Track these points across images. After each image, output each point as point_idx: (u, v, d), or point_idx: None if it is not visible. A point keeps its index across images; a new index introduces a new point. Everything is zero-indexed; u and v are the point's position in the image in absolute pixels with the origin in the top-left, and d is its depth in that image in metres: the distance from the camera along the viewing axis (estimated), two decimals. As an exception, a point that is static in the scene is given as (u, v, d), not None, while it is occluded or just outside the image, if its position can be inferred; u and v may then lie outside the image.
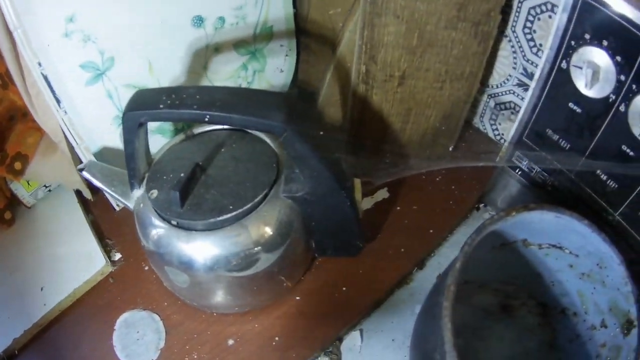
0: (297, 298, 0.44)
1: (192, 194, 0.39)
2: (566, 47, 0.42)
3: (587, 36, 0.41)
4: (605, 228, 0.49)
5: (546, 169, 0.49)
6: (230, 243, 0.38)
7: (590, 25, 0.40)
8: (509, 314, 0.50)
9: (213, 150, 0.41)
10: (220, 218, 0.37)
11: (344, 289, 0.45)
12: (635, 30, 0.38)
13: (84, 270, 0.46)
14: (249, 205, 0.38)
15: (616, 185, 0.46)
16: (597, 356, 0.47)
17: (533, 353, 0.50)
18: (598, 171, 0.46)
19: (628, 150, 0.43)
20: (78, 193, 0.50)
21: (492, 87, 0.54)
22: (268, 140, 0.43)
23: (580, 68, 0.43)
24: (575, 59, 0.43)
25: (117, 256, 0.47)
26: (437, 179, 0.53)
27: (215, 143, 0.42)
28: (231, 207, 0.38)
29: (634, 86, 0.39)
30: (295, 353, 0.42)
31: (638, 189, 0.45)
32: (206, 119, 0.35)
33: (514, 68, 0.51)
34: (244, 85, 0.50)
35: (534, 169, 0.49)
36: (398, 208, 0.50)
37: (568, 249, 0.47)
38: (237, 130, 0.43)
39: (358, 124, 0.47)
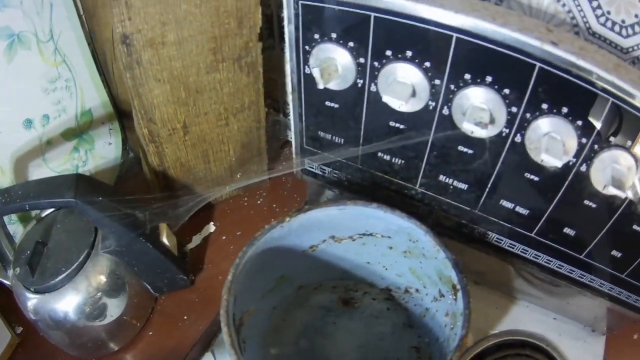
0: (150, 333, 0.60)
1: (40, 265, 0.56)
2: (303, 53, 0.50)
3: (316, 36, 0.48)
4: (413, 203, 0.60)
5: (335, 167, 0.59)
6: (69, 298, 0.56)
7: (316, 25, 0.47)
8: (352, 306, 0.61)
9: (52, 227, 0.59)
10: (57, 279, 0.55)
11: (185, 317, 0.60)
12: (357, 10, 0.44)
13: (-2, 346, 0.68)
14: (75, 265, 0.55)
15: (402, 161, 0.54)
16: (445, 325, 0.55)
17: (388, 336, 0.61)
18: (379, 154, 0.55)
19: (396, 125, 0.51)
20: (-17, 283, 0.72)
21: (294, 104, 0.68)
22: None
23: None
24: (312, 61, 0.50)
25: (20, 329, 0.66)
26: (259, 202, 0.67)
27: (54, 221, 0.60)
28: (63, 269, 0.55)
29: (375, 63, 0.47)
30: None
31: (425, 158, 0.53)
32: (26, 208, 0.55)
33: (309, 83, 0.64)
34: (80, 164, 0.68)
35: (325, 169, 0.60)
36: (224, 237, 0.65)
37: (378, 233, 0.57)
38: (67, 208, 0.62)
39: (162, 176, 0.61)
